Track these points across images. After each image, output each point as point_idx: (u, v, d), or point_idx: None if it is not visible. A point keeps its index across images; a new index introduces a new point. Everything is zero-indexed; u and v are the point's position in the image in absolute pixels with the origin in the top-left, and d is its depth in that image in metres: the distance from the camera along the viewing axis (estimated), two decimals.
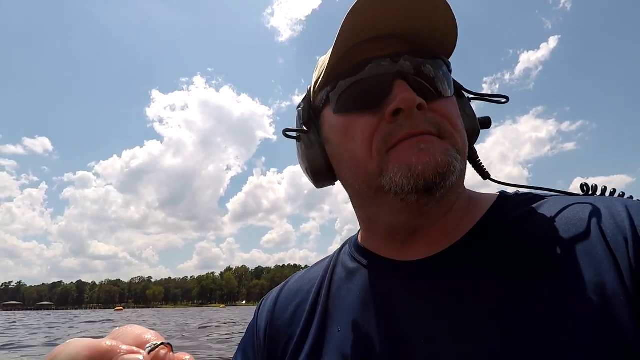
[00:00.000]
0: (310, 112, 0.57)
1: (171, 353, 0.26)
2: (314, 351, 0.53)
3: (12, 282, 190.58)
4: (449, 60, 0.54)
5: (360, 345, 0.50)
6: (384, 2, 0.47)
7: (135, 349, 0.25)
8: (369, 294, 0.54)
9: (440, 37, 0.50)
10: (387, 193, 0.49)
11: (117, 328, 0.28)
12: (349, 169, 0.53)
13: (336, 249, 0.68)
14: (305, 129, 0.58)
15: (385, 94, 0.48)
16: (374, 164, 0.49)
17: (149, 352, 0.25)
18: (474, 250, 0.49)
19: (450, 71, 0.53)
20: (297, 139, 0.60)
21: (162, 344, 0.26)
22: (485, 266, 0.47)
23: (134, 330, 0.28)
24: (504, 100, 0.56)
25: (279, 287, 0.68)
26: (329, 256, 0.68)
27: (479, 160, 0.58)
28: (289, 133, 0.60)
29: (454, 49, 0.52)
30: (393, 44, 0.50)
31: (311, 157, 0.58)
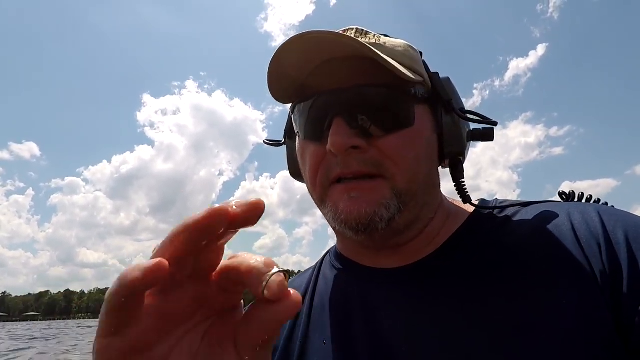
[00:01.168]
0: (292, 122, 0.59)
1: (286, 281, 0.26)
2: None
3: None
4: (430, 74, 0.54)
5: (345, 354, 0.50)
6: (288, 52, 0.47)
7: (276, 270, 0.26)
8: (351, 304, 0.55)
9: (386, 66, 0.47)
10: None
11: (233, 254, 0.28)
12: (307, 187, 0.57)
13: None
14: (282, 140, 0.64)
15: (326, 128, 0.49)
16: (317, 194, 0.54)
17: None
18: (452, 259, 0.51)
19: (414, 95, 0.50)
20: (282, 144, 0.64)
21: (283, 270, 0.26)
22: (464, 273, 0.49)
23: (251, 257, 0.27)
24: (493, 125, 0.56)
25: None
26: (312, 267, 0.69)
27: (463, 182, 0.57)
28: (269, 142, 0.65)
29: (405, 74, 0.48)
30: (347, 70, 0.49)
31: (289, 162, 0.65)
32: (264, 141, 0.65)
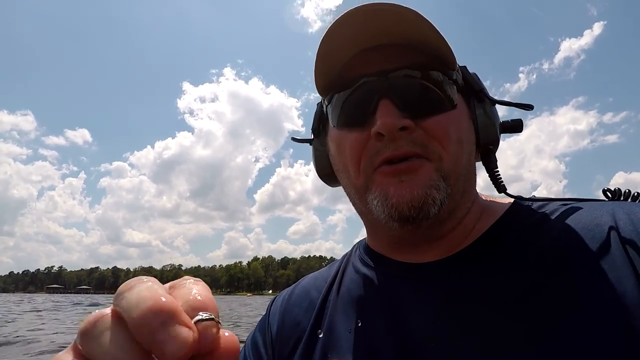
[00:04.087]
0: (320, 119, 0.59)
1: (219, 332, 0.24)
2: (324, 349, 0.53)
3: (54, 266, 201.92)
4: (459, 66, 0.53)
5: (370, 346, 0.50)
6: (348, 24, 0.47)
7: (187, 319, 0.23)
8: (378, 295, 0.54)
9: (433, 46, 0.47)
10: (374, 214, 0.50)
11: (176, 281, 0.26)
12: (343, 180, 0.56)
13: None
14: (311, 137, 0.62)
15: (371, 112, 0.48)
16: (361, 182, 0.51)
17: (196, 323, 0.23)
18: (484, 255, 0.49)
19: (455, 80, 0.50)
20: (310, 142, 0.62)
21: (212, 319, 0.24)
22: (496, 269, 0.47)
23: (189, 290, 0.25)
24: (528, 108, 0.53)
25: (291, 287, 0.69)
26: (340, 259, 0.68)
27: (497, 172, 0.56)
28: (297, 139, 0.64)
29: (451, 55, 0.48)
30: (388, 56, 0.49)
31: (318, 162, 0.62)
32: (292, 138, 0.64)
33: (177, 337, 0.21)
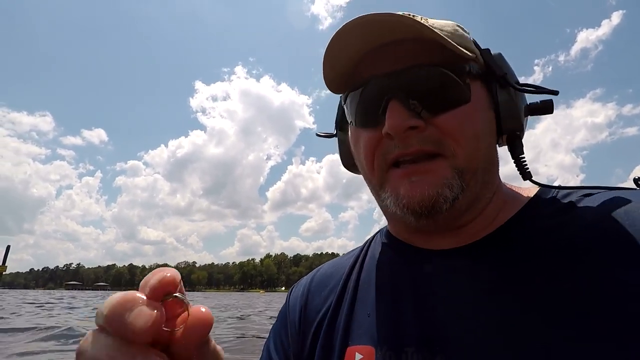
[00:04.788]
0: (343, 113, 0.60)
1: (187, 308, 0.27)
2: (344, 336, 0.53)
3: (72, 263, 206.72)
4: (481, 50, 0.52)
5: (390, 330, 0.50)
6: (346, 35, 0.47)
7: (151, 301, 0.27)
8: (399, 281, 0.54)
9: (440, 43, 0.46)
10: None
11: (155, 270, 0.29)
12: (362, 174, 0.57)
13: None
14: (333, 132, 0.64)
15: (382, 112, 0.48)
16: (376, 178, 0.52)
17: (162, 301, 0.27)
18: (502, 244, 0.49)
19: (469, 72, 0.49)
20: (333, 136, 0.65)
21: (176, 297, 0.27)
22: (511, 259, 0.47)
23: (163, 276, 0.28)
24: (553, 93, 0.52)
25: (310, 274, 0.69)
26: (360, 246, 0.68)
27: (523, 158, 0.54)
28: (321, 135, 0.66)
29: (462, 48, 0.47)
30: (398, 54, 0.49)
31: (342, 154, 0.64)
32: (316, 134, 0.65)
33: (140, 314, 0.26)
